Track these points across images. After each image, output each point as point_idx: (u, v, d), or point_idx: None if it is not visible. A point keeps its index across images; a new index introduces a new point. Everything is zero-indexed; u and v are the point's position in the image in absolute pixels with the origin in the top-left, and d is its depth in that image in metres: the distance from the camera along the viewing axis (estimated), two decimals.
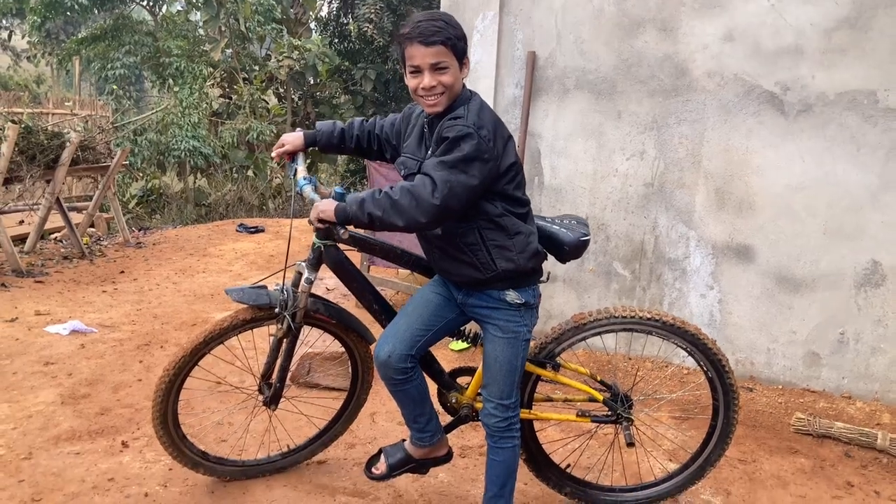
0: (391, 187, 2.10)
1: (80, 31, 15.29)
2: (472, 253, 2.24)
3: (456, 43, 2.12)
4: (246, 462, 2.90)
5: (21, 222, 7.70)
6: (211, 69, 12.95)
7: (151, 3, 13.96)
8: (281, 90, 14.80)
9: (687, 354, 2.69)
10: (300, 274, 2.51)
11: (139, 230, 9.05)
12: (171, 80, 12.67)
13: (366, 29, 14.34)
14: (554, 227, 2.49)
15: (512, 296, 2.29)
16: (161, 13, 14.41)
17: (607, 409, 2.71)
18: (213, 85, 13.59)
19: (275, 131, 13.26)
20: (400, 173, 2.35)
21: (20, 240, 7.10)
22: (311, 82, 14.65)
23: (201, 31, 13.90)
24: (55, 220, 7.69)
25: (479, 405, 2.61)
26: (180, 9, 14.64)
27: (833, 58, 3.72)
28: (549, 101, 4.43)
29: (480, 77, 4.49)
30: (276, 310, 2.51)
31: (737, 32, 3.93)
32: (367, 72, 14.54)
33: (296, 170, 2.55)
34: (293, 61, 13.39)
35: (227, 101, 13.71)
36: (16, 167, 6.12)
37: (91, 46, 13.31)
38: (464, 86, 2.23)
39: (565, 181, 4.44)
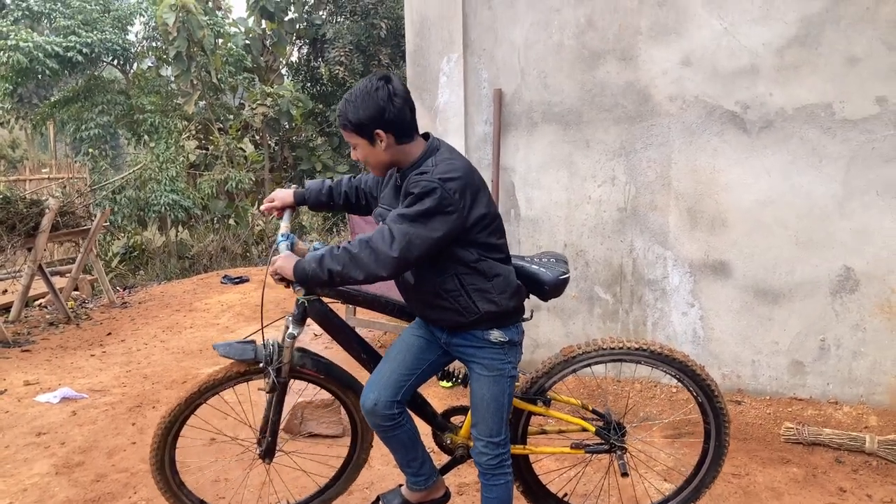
0: (349, 242, 2.18)
1: (52, 95, 15.37)
2: (452, 299, 2.29)
3: (353, 127, 2.23)
4: None
5: (4, 292, 7.68)
6: (185, 122, 13.04)
7: (122, 62, 14.07)
8: (257, 137, 14.91)
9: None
10: (287, 327, 2.53)
11: (124, 289, 9.04)
12: (146, 136, 12.76)
13: (337, 71, 14.53)
14: (533, 266, 2.54)
15: (496, 335, 2.34)
16: (132, 71, 14.53)
17: (601, 438, 2.74)
18: (188, 137, 13.66)
19: (253, 179, 13.35)
20: (377, 224, 2.41)
21: (4, 309, 7.08)
22: (287, 127, 14.77)
23: (173, 86, 14.03)
24: (39, 287, 7.68)
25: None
26: (151, 65, 14.78)
27: (788, 75, 3.86)
28: (519, 135, 4.53)
29: (450, 116, 4.59)
30: (262, 364, 2.54)
31: (694, 57, 4.06)
32: None
33: (282, 226, 2.61)
34: (267, 108, 13.52)
35: (204, 151, 13.78)
36: None
37: (64, 109, 13.39)
38: (429, 136, 2.32)
39: (541, 211, 4.52)
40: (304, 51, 15.93)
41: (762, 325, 4.06)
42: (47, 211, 6.62)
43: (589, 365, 2.68)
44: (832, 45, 3.75)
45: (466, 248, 2.23)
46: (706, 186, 4.11)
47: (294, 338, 2.53)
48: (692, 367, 2.65)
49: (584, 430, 2.72)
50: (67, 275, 8.09)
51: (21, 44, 11.69)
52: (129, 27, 14.34)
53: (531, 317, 2.52)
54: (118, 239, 12.45)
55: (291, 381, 2.68)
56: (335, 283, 2.19)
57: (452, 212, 2.12)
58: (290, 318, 2.53)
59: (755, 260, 4.04)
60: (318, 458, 3.26)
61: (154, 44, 14.36)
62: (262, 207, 2.69)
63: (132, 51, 14.07)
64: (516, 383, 2.52)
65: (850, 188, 3.79)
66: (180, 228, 13.59)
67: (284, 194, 2.68)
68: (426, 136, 2.35)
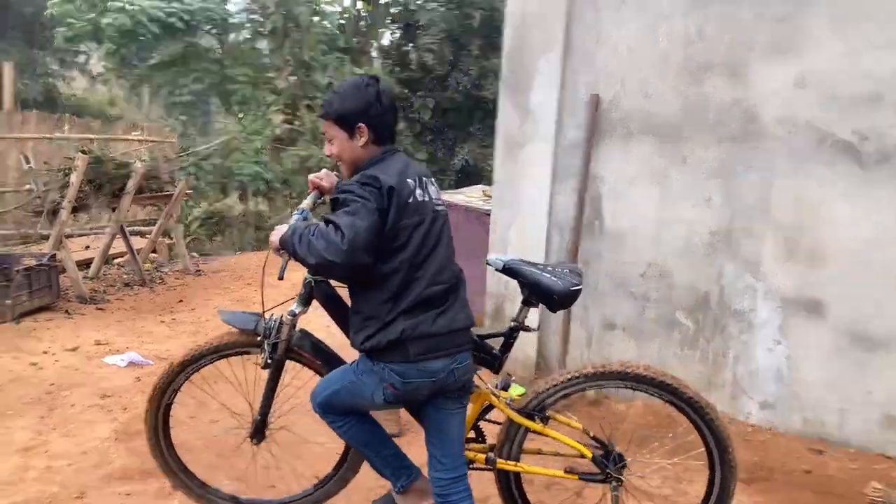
0: (317, 226, 2.21)
1: (151, 58, 15.88)
2: None
3: (337, 116, 2.31)
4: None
5: (87, 247, 7.94)
6: (275, 96, 13.25)
7: (219, 32, 14.39)
8: None
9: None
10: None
11: (200, 256, 9.25)
12: (236, 107, 13.01)
13: (426, 58, 14.52)
14: (545, 275, 2.49)
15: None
16: (228, 41, 14.85)
17: (597, 467, 2.61)
18: (276, 111, 13.90)
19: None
20: None
21: (85, 264, 7.32)
22: None
23: (266, 60, 14.27)
24: (119, 246, 7.93)
25: None
26: (248, 37, 15.08)
27: None
28: (612, 144, 4.34)
29: (542, 119, 4.44)
30: (259, 339, 2.54)
31: (810, 79, 3.79)
32: (426, 100, 14.68)
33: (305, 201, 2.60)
34: None
35: (290, 126, 13.99)
36: (84, 196, 6.33)
37: (161, 73, 13.79)
38: (383, 149, 2.36)
39: (627, 227, 4.34)
40: (396, 35, 15.94)
41: (855, 373, 3.78)
42: (134, 174, 6.79)
43: (590, 388, 2.61)
44: None
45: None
46: (808, 218, 3.84)
47: (294, 315, 2.53)
48: (685, 391, 2.52)
49: (582, 455, 2.60)
50: (147, 236, 8.32)
51: (127, 7, 12.08)
52: None
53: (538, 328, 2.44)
54: (198, 207, 12.79)
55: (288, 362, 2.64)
56: (299, 261, 2.23)
57: (374, 204, 2.16)
58: (298, 298, 2.53)
59: (855, 302, 3.76)
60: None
61: (251, 16, 14.63)
62: (310, 176, 2.68)
63: (230, 21, 14.36)
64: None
65: None
66: (260, 199, 13.87)
67: (330, 179, 2.64)
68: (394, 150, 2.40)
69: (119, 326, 5.57)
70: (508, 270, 2.54)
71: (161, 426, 2.72)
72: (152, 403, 2.67)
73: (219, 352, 2.62)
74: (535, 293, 2.49)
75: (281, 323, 2.55)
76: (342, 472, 2.83)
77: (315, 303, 2.62)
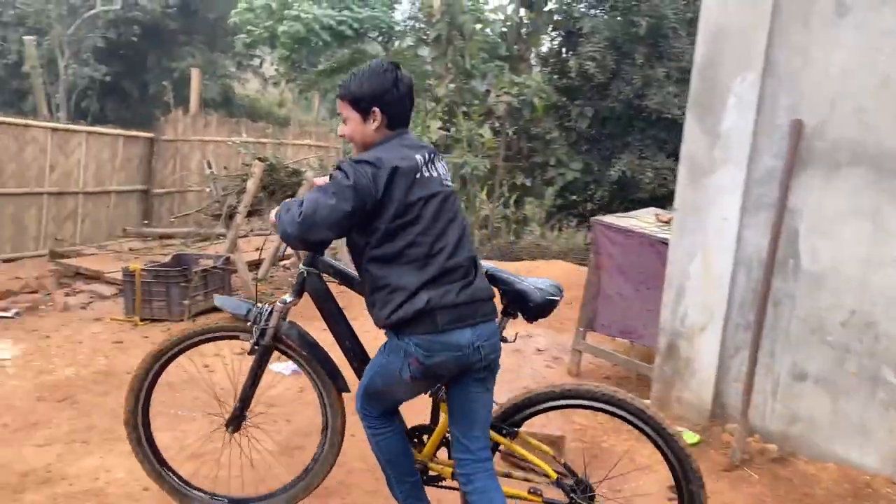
0: (296, 201, 2.39)
1: (319, 63, 16.60)
2: None
3: (353, 98, 2.39)
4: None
5: (257, 250, 8.33)
6: (434, 103, 13.40)
7: (385, 39, 14.78)
8: (497, 125, 14.99)
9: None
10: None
11: None
12: None
13: (587, 66, 14.14)
14: (523, 284, 2.55)
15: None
16: (393, 48, 15.21)
17: (562, 491, 2.57)
18: (433, 118, 14.07)
19: (488, 166, 13.43)
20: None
21: (255, 266, 7.67)
22: (527, 117, 14.69)
23: (428, 67, 14.47)
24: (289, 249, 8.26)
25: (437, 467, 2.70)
26: (411, 44, 15.38)
27: None
28: (815, 175, 3.90)
29: (734, 144, 4.08)
30: (249, 324, 2.64)
31: None
32: (584, 109, 14.31)
33: None
34: (512, 97, 13.51)
35: (446, 133, 14.11)
36: (257, 201, 6.61)
37: (329, 78, 14.35)
38: (394, 133, 2.43)
39: (828, 267, 3.88)
40: (557, 42, 15.69)
41: None
42: (304, 182, 7.03)
43: (558, 407, 2.61)
44: None
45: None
46: None
47: (285, 304, 2.62)
48: (653, 416, 2.48)
49: (545, 474, 2.59)
50: None
51: (303, 15, 12.65)
52: (396, 5, 15.01)
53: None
54: None
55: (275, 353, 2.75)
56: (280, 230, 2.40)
57: (351, 182, 2.25)
58: (292, 289, 2.65)
59: None
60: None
61: (415, 24, 14.91)
62: (315, 180, 2.74)
63: (395, 29, 14.71)
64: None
65: None
66: None
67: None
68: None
69: None
70: (489, 277, 2.57)
71: (143, 404, 2.83)
72: (138, 377, 2.78)
73: (208, 333, 2.76)
74: (513, 301, 2.56)
75: (272, 311, 2.64)
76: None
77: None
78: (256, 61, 21.73)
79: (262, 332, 2.64)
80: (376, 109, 2.37)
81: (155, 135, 11.60)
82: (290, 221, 2.29)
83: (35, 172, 9.21)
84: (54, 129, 9.62)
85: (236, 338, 2.78)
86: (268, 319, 2.64)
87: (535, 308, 2.53)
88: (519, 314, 2.60)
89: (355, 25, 13.32)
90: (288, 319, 2.72)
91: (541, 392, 2.61)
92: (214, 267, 6.13)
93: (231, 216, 6.50)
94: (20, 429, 3.89)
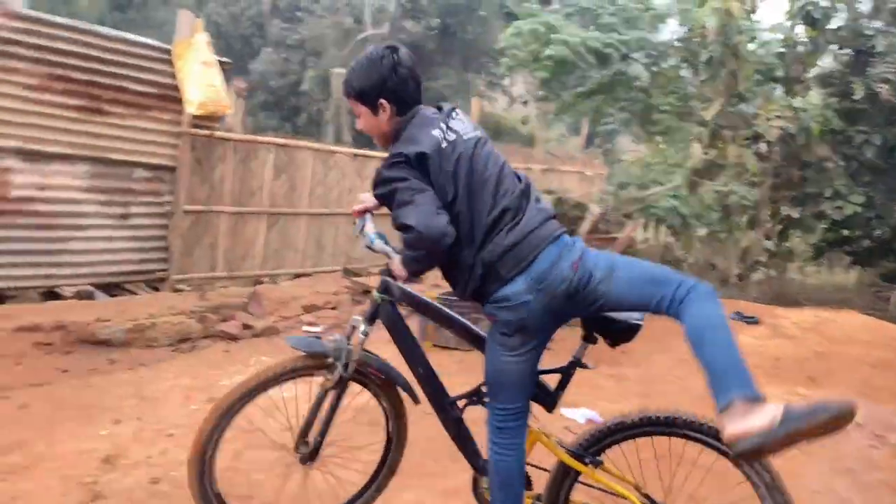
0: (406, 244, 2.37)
1: (571, 84, 16.57)
2: None
3: (357, 94, 2.39)
4: None
5: None
6: (701, 127, 12.83)
7: (649, 63, 14.42)
8: (763, 150, 13.98)
9: None
10: (354, 327, 2.62)
11: None
12: (658, 137, 12.89)
13: (879, 89, 12.72)
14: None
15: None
16: (655, 70, 14.80)
17: None
18: (695, 142, 13.47)
19: (756, 196, 12.56)
20: None
21: None
22: (801, 143, 13.54)
23: (692, 89, 13.87)
24: None
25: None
26: (674, 64, 14.85)
27: None
28: None
29: None
30: (330, 359, 2.59)
31: None
32: (871, 136, 12.90)
33: (363, 226, 2.68)
34: (787, 121, 12.51)
35: (710, 159, 13.45)
36: None
37: (587, 101, 14.25)
38: (407, 113, 2.42)
39: None
40: (842, 61, 14.31)
41: None
42: (588, 216, 6.98)
43: (638, 435, 2.52)
44: None
45: None
46: None
47: (366, 335, 2.60)
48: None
49: None
50: None
51: (570, 39, 12.70)
52: (660, 25, 14.59)
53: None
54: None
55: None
56: (426, 270, 2.44)
57: (411, 176, 2.28)
58: (361, 318, 2.62)
59: None
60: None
61: (681, 44, 14.36)
62: (355, 207, 2.73)
63: (659, 49, 14.30)
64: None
65: None
66: (665, 231, 13.52)
67: (366, 198, 2.68)
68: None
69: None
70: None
71: (210, 459, 2.69)
72: (211, 423, 2.63)
73: (286, 374, 2.68)
74: (597, 327, 2.50)
75: (350, 344, 2.61)
76: None
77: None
78: (507, 81, 22.31)
79: (346, 367, 2.63)
80: (383, 101, 2.38)
81: None
82: (422, 244, 2.29)
83: (336, 194, 10.15)
84: (354, 155, 10.58)
85: (311, 375, 2.79)
86: (349, 353, 2.62)
87: (619, 333, 2.49)
88: (598, 338, 2.55)
89: (623, 49, 13.11)
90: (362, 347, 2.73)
91: (619, 421, 2.57)
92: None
93: None
94: None
